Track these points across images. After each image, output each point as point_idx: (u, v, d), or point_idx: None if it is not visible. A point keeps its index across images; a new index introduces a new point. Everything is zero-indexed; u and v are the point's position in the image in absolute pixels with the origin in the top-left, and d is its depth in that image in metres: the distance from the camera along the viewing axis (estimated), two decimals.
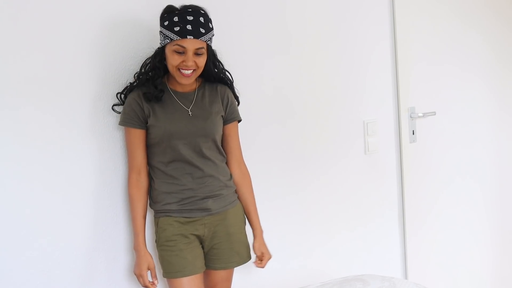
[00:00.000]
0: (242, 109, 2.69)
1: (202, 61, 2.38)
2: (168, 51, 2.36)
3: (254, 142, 2.96)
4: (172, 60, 2.35)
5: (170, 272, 2.40)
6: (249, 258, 2.59)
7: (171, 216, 2.43)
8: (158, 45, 2.44)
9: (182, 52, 2.33)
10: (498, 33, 3.90)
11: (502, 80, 3.94)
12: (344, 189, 3.32)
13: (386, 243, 3.51)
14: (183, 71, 2.35)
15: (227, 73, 2.57)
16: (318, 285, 2.40)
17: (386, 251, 3.51)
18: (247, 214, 2.62)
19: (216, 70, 2.50)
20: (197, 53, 2.34)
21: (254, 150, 2.96)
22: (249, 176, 2.63)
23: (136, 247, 2.41)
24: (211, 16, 2.42)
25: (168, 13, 2.36)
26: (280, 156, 3.08)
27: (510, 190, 4.03)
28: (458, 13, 3.71)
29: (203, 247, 2.49)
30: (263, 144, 3.01)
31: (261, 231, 2.63)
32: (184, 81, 2.38)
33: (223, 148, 2.58)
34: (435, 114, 3.58)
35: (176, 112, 2.43)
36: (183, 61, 2.33)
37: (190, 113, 2.43)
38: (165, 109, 2.42)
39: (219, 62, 2.53)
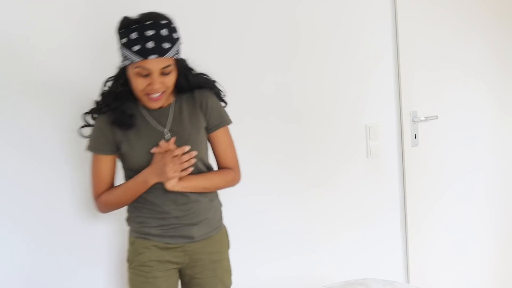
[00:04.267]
0: (248, 112, 2.69)
1: (170, 80, 2.10)
2: (130, 73, 2.09)
3: (257, 145, 2.98)
4: (137, 84, 2.08)
5: None
6: (231, 284, 2.39)
7: (149, 239, 2.21)
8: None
9: (146, 74, 2.05)
10: (500, 38, 3.90)
11: (504, 85, 3.94)
12: (346, 192, 3.32)
13: (388, 246, 3.51)
14: (150, 95, 2.09)
15: (203, 77, 2.28)
16: None
17: (388, 254, 3.51)
18: None
19: (188, 84, 2.22)
20: (164, 73, 2.07)
21: (257, 153, 2.97)
22: (238, 178, 2.38)
23: (144, 177, 2.14)
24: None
25: (125, 27, 2.06)
26: (283, 159, 3.09)
27: (511, 196, 4.03)
28: (460, 18, 3.71)
29: (182, 275, 2.30)
30: (265, 147, 3.02)
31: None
32: (153, 105, 2.12)
33: (215, 156, 2.33)
34: (437, 118, 3.58)
35: (152, 136, 2.17)
36: (149, 85, 2.06)
37: (166, 135, 2.18)
38: (139, 133, 2.17)
39: (191, 71, 2.24)
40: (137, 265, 2.20)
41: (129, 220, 2.27)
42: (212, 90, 2.27)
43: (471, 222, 3.85)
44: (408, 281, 3.52)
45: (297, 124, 3.13)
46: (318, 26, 3.16)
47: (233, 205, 2.94)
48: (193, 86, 2.22)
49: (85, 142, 2.23)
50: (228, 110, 2.87)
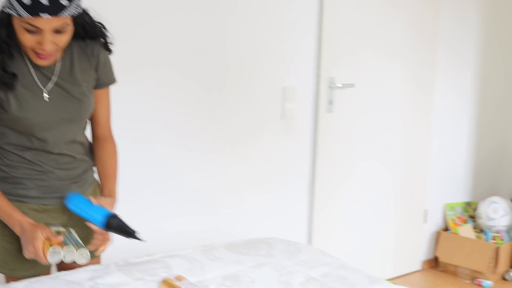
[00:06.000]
0: (164, 64, 2.60)
1: (65, 39, 1.80)
2: (16, 25, 1.76)
3: (169, 97, 2.93)
4: (23, 40, 1.77)
5: (14, 269, 1.99)
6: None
7: (25, 202, 1.98)
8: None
9: (35, 31, 1.74)
10: (420, 17, 3.93)
11: (418, 62, 3.98)
12: (258, 153, 3.31)
13: (294, 210, 3.54)
14: (39, 54, 1.80)
15: (100, 27, 1.98)
16: (223, 245, 2.37)
17: (294, 218, 3.54)
18: (103, 178, 2.13)
19: (85, 34, 1.93)
20: (57, 31, 1.76)
21: (170, 107, 2.92)
22: (115, 145, 2.17)
23: (21, 228, 1.89)
24: None
25: None
26: (196, 114, 3.05)
27: (416, 170, 4.13)
28: None
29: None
30: (179, 101, 2.98)
31: (115, 200, 2.10)
32: (41, 63, 1.84)
33: (93, 115, 2.09)
34: (353, 86, 3.61)
35: (38, 94, 1.89)
36: (38, 43, 1.76)
37: (43, 94, 1.90)
38: (27, 88, 1.87)
39: (89, 21, 1.92)
40: (10, 232, 1.94)
41: (1, 179, 1.97)
42: (102, 41, 2.00)
43: (377, 193, 3.92)
44: (310, 244, 3.57)
45: (214, 80, 3.09)
46: None
47: (142, 154, 2.89)
48: (89, 36, 1.95)
49: None
50: (144, 59, 2.81)
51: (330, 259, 2.35)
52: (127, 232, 1.92)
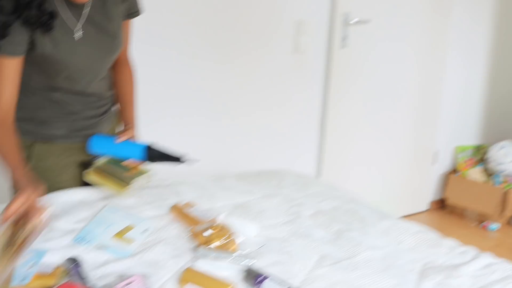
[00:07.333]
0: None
1: None
2: None
3: (182, 31, 2.88)
4: None
5: None
6: None
7: (53, 142, 1.93)
8: None
9: None
10: None
11: (434, 3, 3.92)
12: (269, 86, 3.27)
13: (305, 145, 3.52)
14: None
15: None
16: (233, 175, 2.36)
17: (304, 153, 3.53)
18: (121, 104, 2.09)
19: None
20: None
21: (181, 38, 2.86)
22: (133, 70, 2.12)
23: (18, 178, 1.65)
24: None
25: None
26: (207, 47, 3.01)
27: (428, 111, 4.09)
28: None
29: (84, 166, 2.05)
30: (189, 36, 2.93)
31: (134, 127, 2.07)
32: None
33: None
34: (368, 23, 3.53)
35: (71, 35, 1.77)
36: None
37: (76, 34, 1.78)
38: (58, 29, 1.74)
39: None
40: (39, 171, 1.89)
41: (25, 120, 1.88)
42: None
43: (389, 131, 3.89)
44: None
45: (226, 13, 3.03)
46: None
47: (156, 86, 2.86)
48: None
49: None
50: None
51: (341, 193, 2.33)
52: (173, 158, 1.86)
